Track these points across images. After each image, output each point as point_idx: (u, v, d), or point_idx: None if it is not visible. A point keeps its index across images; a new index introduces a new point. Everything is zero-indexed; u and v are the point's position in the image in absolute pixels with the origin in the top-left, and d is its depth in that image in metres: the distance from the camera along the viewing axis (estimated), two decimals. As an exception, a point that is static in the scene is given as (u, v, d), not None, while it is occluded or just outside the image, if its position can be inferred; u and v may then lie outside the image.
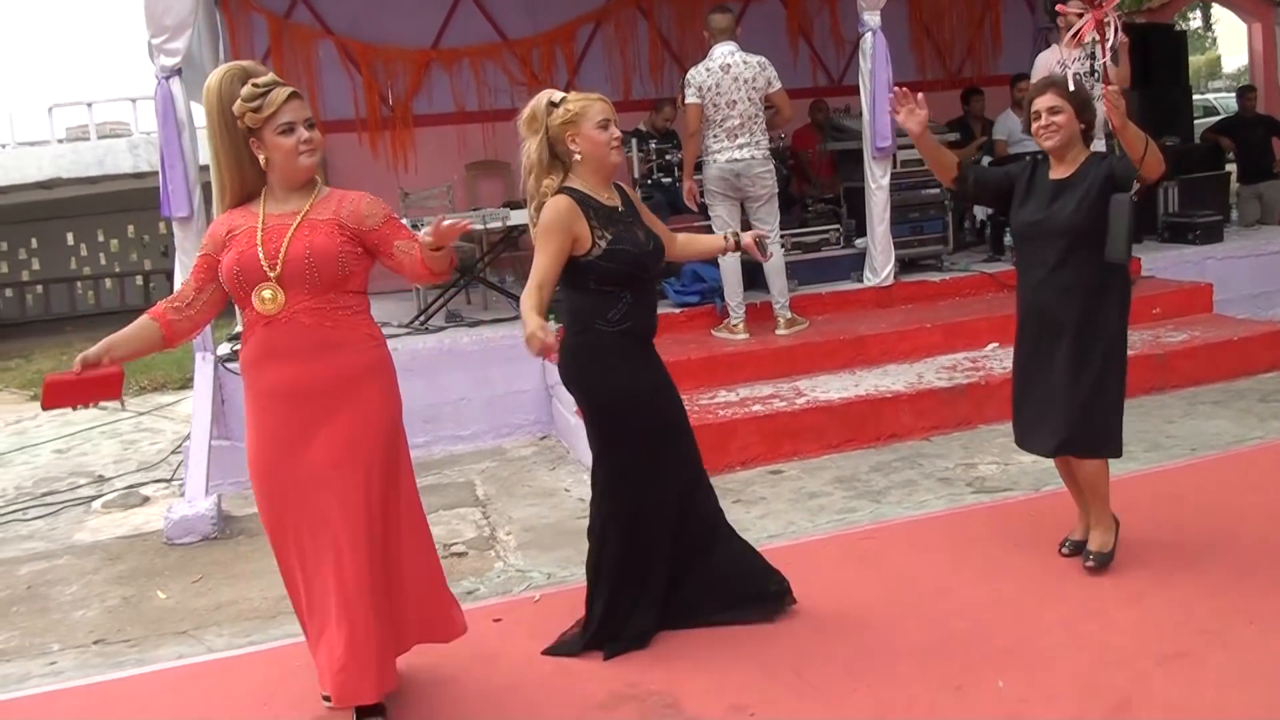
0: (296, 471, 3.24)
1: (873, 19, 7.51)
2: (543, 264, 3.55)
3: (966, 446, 5.97)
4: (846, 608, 4.00)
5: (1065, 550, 4.29)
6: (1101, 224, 3.96)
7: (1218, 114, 18.84)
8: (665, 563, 3.86)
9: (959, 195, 4.30)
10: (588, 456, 6.13)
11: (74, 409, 3.25)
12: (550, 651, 3.85)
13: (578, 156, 3.65)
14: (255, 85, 3.15)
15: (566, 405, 6.61)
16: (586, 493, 5.78)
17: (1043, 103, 4.06)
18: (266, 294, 3.17)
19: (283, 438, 3.25)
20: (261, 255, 3.17)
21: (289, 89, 3.18)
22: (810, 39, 11.60)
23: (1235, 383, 6.90)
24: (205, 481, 5.95)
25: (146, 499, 6.62)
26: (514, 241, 8.81)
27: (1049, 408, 4.10)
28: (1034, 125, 4.09)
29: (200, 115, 8.13)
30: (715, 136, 6.98)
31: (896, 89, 3.96)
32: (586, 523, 5.27)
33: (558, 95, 3.69)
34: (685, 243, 4.10)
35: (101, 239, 18.06)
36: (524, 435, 7.05)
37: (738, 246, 4.07)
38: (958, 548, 4.52)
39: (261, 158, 3.21)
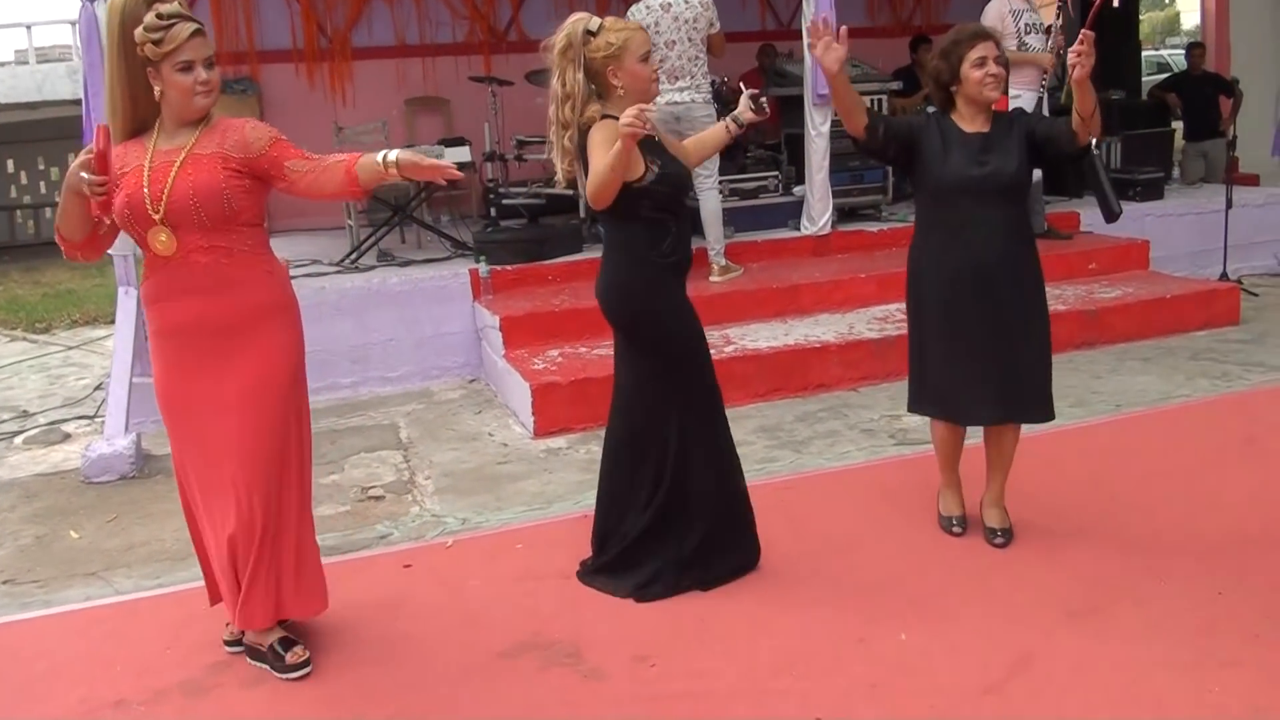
0: (197, 405, 3.20)
1: (817, -38, 7.38)
2: (597, 158, 3.42)
3: (894, 398, 5.93)
4: (757, 559, 3.97)
5: (958, 529, 4.11)
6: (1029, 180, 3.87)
7: (1172, 71, 18.87)
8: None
9: (866, 148, 3.89)
10: (513, 400, 6.13)
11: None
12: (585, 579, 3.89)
13: (621, 91, 3.54)
14: (159, 16, 3.00)
15: (495, 349, 6.52)
16: (508, 437, 5.78)
17: (989, 50, 3.81)
18: (162, 237, 3.10)
19: (185, 372, 3.21)
20: (147, 198, 3.07)
21: (193, 25, 3.05)
22: (759, -21, 11.45)
23: (1167, 340, 6.93)
24: (125, 419, 5.82)
25: (68, 436, 6.47)
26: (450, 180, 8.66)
27: (993, 374, 3.86)
28: (978, 74, 3.78)
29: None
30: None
31: (815, 22, 3.75)
32: (507, 467, 5.28)
33: (594, 23, 3.55)
34: (696, 148, 3.97)
35: (42, 167, 17.56)
36: (452, 378, 6.95)
37: (741, 128, 3.93)
38: (874, 499, 4.50)
39: (156, 90, 3.10)
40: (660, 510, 3.74)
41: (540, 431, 5.68)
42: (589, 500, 4.72)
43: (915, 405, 4.14)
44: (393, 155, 3.13)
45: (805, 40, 7.53)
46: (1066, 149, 3.87)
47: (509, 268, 7.16)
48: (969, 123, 3.88)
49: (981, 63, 3.79)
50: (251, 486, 3.19)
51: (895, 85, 8.73)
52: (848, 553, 4.00)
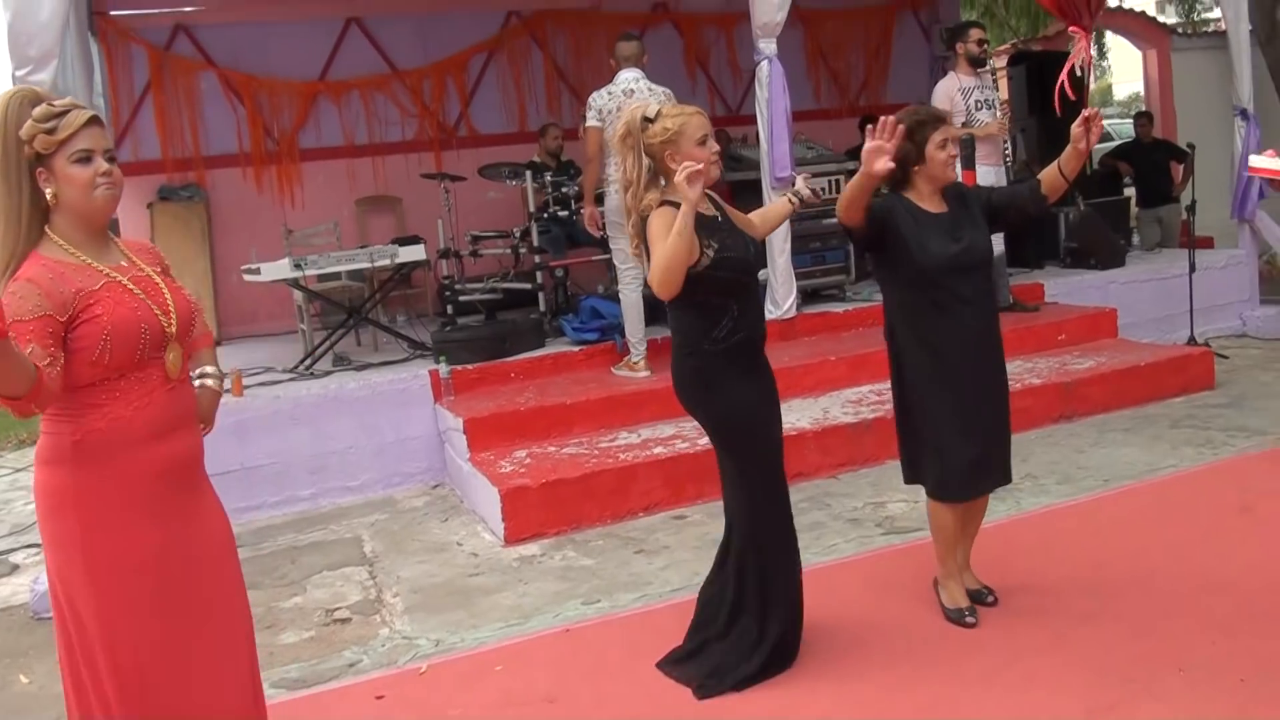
0: (171, 562, 2.70)
1: (768, 47, 7.34)
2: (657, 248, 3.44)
3: (875, 484, 5.76)
4: (754, 668, 3.73)
5: (972, 619, 3.96)
6: None
7: (1112, 140, 19.19)
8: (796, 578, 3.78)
9: (858, 234, 3.87)
10: (481, 506, 5.89)
11: None
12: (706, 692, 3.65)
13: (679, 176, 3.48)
14: (50, 105, 2.64)
15: (460, 452, 6.28)
16: (478, 546, 5.52)
17: (948, 131, 3.88)
18: (173, 356, 2.72)
19: (157, 521, 2.69)
20: (158, 310, 2.68)
21: (89, 113, 2.68)
22: (707, 68, 11.47)
23: (1145, 408, 6.81)
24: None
25: (16, 567, 6.12)
26: (406, 279, 8.49)
27: (998, 441, 3.96)
28: (943, 155, 3.84)
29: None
30: (616, 165, 6.73)
31: (884, 120, 3.71)
32: (479, 579, 5.02)
33: (652, 109, 3.61)
34: (762, 221, 3.96)
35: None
36: (416, 484, 6.69)
37: (802, 203, 3.93)
38: (870, 595, 4.30)
39: (49, 192, 2.61)
40: (731, 604, 3.73)
41: (511, 538, 5.43)
42: (569, 613, 4.50)
43: (944, 492, 3.98)
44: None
45: (760, 125, 7.48)
46: (1033, 209, 4.06)
47: (470, 367, 6.95)
48: (929, 202, 3.92)
49: (944, 144, 3.86)
50: (252, 659, 2.85)
51: (852, 165, 8.68)
52: (848, 656, 3.78)
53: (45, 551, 2.68)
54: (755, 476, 3.67)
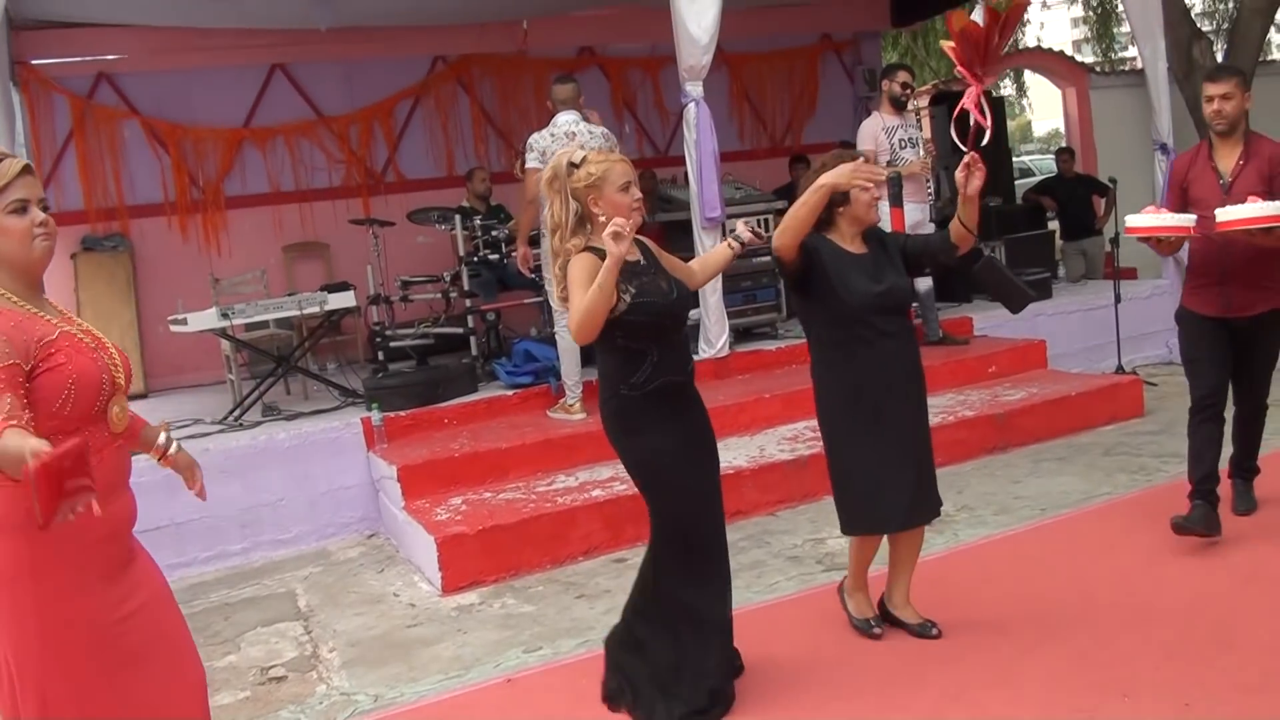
0: (116, 631, 2.58)
1: (695, 89, 7.37)
2: (576, 301, 3.49)
3: (814, 520, 5.75)
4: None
5: (878, 630, 4.14)
6: None
7: (1033, 175, 19.60)
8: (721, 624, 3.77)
9: (791, 266, 3.88)
10: (418, 555, 5.78)
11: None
12: None
13: (602, 219, 3.54)
14: None
15: (394, 500, 6.17)
16: (416, 596, 5.41)
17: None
18: (116, 410, 2.61)
19: (118, 583, 2.60)
20: (110, 362, 2.59)
21: (22, 162, 2.61)
22: (635, 110, 11.50)
23: (1077, 437, 6.90)
24: None
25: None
26: (335, 326, 8.38)
27: (919, 476, 3.97)
28: (866, 196, 3.90)
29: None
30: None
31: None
32: (418, 630, 4.92)
33: (578, 155, 3.66)
34: (702, 268, 3.95)
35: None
36: (351, 534, 6.56)
37: (743, 246, 3.89)
38: (810, 633, 4.27)
39: None
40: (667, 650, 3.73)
41: (449, 587, 5.33)
42: (509, 662, 4.42)
43: (851, 527, 4.08)
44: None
45: (689, 166, 7.50)
46: (944, 259, 4.13)
47: (403, 413, 6.85)
48: (850, 243, 3.98)
49: (866, 187, 3.89)
50: (204, 709, 2.76)
51: (780, 204, 8.74)
52: (788, 694, 3.74)
53: None
54: (663, 525, 3.70)
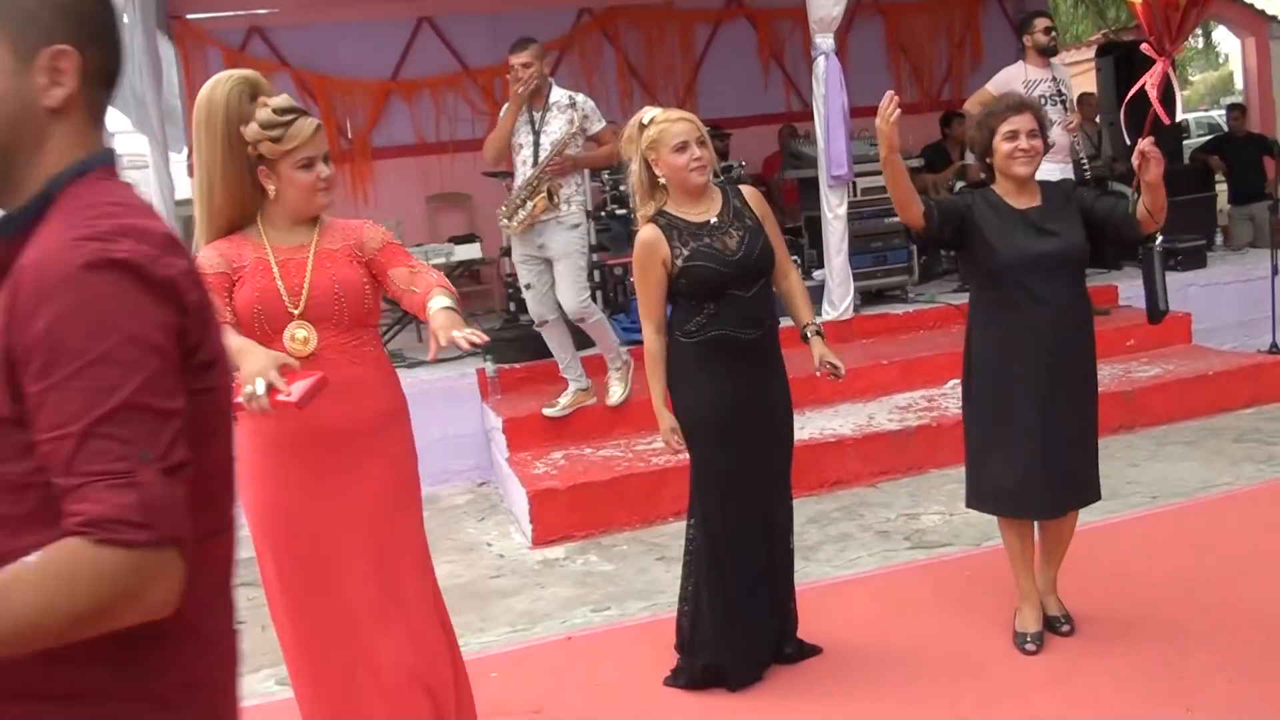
0: (311, 525, 2.92)
1: (825, 42, 7.19)
2: (645, 302, 3.60)
3: (913, 494, 5.60)
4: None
5: (1032, 647, 3.73)
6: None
7: (1225, 132, 18.47)
8: (753, 588, 3.70)
9: (924, 237, 3.76)
10: (516, 506, 5.87)
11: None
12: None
13: (663, 180, 3.56)
14: (275, 112, 2.76)
15: (501, 451, 6.29)
16: (507, 547, 5.51)
17: (1023, 123, 3.61)
18: (300, 334, 2.86)
19: (293, 489, 2.91)
20: (283, 291, 2.85)
21: (314, 122, 2.82)
22: (782, 62, 11.29)
23: (1210, 420, 6.50)
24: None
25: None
26: (475, 276, 8.51)
27: (1077, 457, 3.71)
28: (1008, 146, 3.60)
29: (138, 145, 7.97)
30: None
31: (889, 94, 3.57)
32: (499, 581, 5.02)
33: (648, 115, 3.58)
34: (787, 294, 3.79)
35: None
36: (462, 481, 6.71)
37: (805, 341, 3.79)
38: (881, 615, 4.17)
39: (271, 188, 2.84)
40: (688, 609, 3.73)
41: (539, 541, 5.42)
42: (576, 619, 4.47)
43: (976, 501, 3.87)
44: (437, 305, 2.88)
45: (817, 122, 7.34)
46: (1125, 234, 3.77)
47: (517, 366, 6.95)
48: (1015, 197, 3.69)
49: (1012, 136, 3.62)
50: (423, 607, 3.09)
51: (916, 163, 8.46)
52: (843, 679, 3.67)
53: None
54: (700, 480, 3.66)
